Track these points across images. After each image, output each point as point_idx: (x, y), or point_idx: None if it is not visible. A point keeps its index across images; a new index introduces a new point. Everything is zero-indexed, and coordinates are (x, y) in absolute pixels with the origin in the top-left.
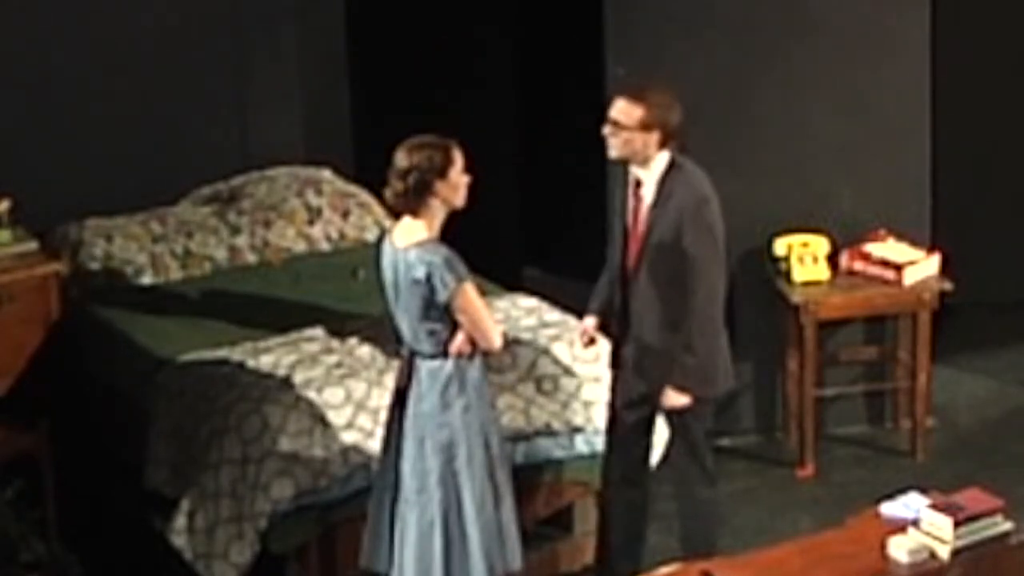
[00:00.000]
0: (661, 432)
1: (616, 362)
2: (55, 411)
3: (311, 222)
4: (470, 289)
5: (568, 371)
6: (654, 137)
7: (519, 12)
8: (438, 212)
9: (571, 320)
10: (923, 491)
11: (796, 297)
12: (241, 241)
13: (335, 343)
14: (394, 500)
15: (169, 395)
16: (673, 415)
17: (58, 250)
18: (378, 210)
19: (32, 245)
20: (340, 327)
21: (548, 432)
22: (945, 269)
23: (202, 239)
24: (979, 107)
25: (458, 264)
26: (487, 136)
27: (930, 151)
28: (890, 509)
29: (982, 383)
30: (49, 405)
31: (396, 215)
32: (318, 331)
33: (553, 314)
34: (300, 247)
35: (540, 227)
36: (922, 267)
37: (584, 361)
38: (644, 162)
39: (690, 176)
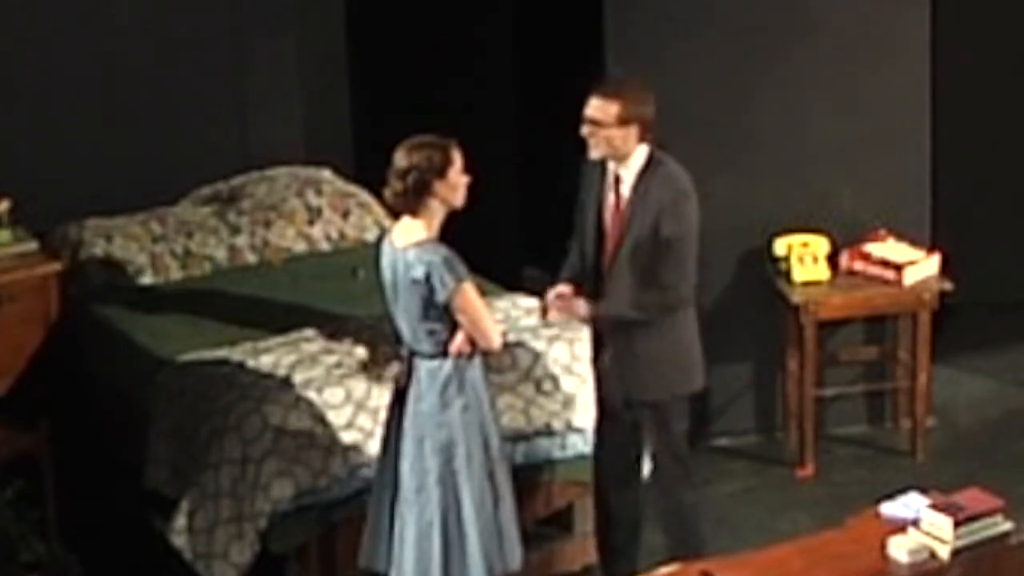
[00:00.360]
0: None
1: (597, 363)
2: (55, 411)
3: (311, 222)
4: (469, 289)
5: (568, 371)
6: (632, 131)
7: (519, 12)
8: (437, 212)
9: (572, 320)
10: (923, 491)
11: (796, 297)
12: (241, 241)
13: (333, 344)
14: (393, 500)
15: (169, 395)
16: (653, 413)
17: (58, 250)
18: (378, 210)
19: (32, 245)
20: (341, 327)
21: (548, 432)
22: (945, 269)
23: (202, 239)
24: (979, 107)
25: (457, 264)
26: (487, 136)
27: (930, 151)
28: (890, 509)
29: (982, 383)
30: (49, 405)
31: (395, 215)
32: (310, 332)
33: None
34: (300, 247)
35: (540, 227)
36: (922, 267)
37: (584, 361)
38: (623, 159)
39: (669, 172)
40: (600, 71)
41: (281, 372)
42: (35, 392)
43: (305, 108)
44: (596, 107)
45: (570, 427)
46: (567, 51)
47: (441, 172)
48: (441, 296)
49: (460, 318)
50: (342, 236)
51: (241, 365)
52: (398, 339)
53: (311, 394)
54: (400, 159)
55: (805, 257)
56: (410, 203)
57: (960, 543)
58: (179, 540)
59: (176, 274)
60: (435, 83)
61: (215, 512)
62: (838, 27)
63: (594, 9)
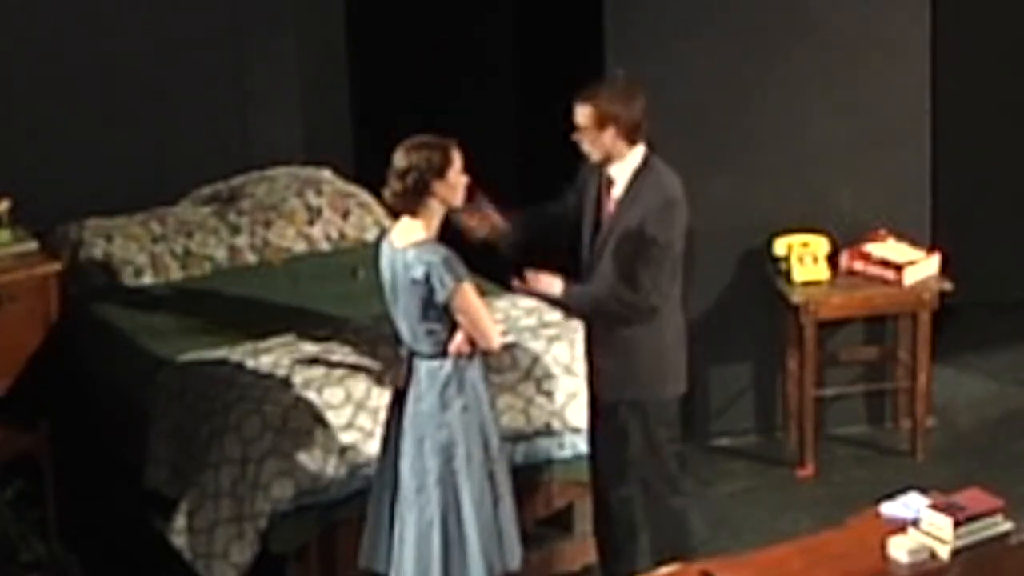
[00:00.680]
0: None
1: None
2: (55, 411)
3: (311, 222)
4: (469, 289)
5: (568, 371)
6: (610, 132)
7: (519, 12)
8: (437, 212)
9: (572, 320)
10: (923, 491)
11: (796, 297)
12: (241, 241)
13: (330, 345)
14: (393, 500)
15: (169, 395)
16: (634, 418)
17: (58, 250)
18: (378, 210)
19: (32, 245)
20: (341, 327)
21: (548, 432)
22: (945, 269)
23: (202, 239)
24: (979, 107)
25: (457, 264)
26: (487, 136)
27: (930, 151)
28: (890, 509)
29: (982, 383)
30: (49, 405)
31: (395, 215)
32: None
33: (553, 314)
34: (300, 247)
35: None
36: (922, 267)
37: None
38: (614, 161)
39: (660, 177)
40: (600, 71)
41: (281, 372)
42: (35, 392)
43: (305, 108)
44: (576, 112)
45: (570, 427)
46: (567, 51)
47: (440, 172)
48: (440, 296)
49: (460, 318)
50: (342, 236)
51: (241, 365)
52: (398, 339)
53: (311, 394)
54: (399, 159)
55: (805, 257)
56: (409, 203)
57: (960, 543)
58: (179, 540)
59: (176, 274)
60: (435, 83)
61: (215, 512)
62: (838, 27)
63: (594, 9)
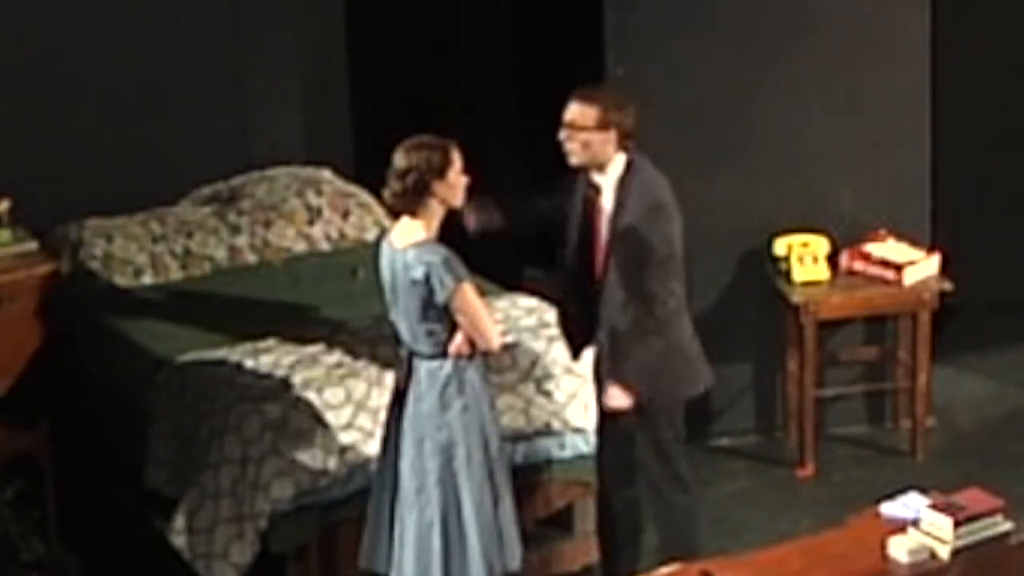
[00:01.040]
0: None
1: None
2: (55, 411)
3: (311, 222)
4: (469, 289)
5: (568, 371)
6: (611, 137)
7: (519, 12)
8: (436, 212)
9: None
10: (923, 491)
11: (796, 297)
12: (241, 241)
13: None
14: (393, 500)
15: (169, 395)
16: (643, 418)
17: (58, 250)
18: (378, 210)
19: (32, 245)
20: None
21: (548, 432)
22: (945, 269)
23: (202, 239)
24: (979, 107)
25: (457, 264)
26: (487, 136)
27: (930, 151)
28: (890, 509)
29: (982, 383)
30: (49, 405)
31: (395, 215)
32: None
33: (553, 314)
34: (300, 247)
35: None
36: (922, 267)
37: (583, 360)
38: (601, 166)
39: (645, 181)
40: (600, 71)
41: (281, 372)
42: (35, 392)
43: (305, 108)
44: (575, 110)
45: (570, 427)
46: (567, 51)
47: (440, 172)
48: (440, 297)
49: (459, 319)
50: (342, 236)
51: (241, 365)
52: (398, 340)
53: (311, 394)
54: (399, 159)
55: (805, 257)
56: (409, 203)
57: (960, 543)
58: (179, 540)
59: (176, 274)
60: (435, 83)
61: (215, 512)
62: (838, 27)
63: (594, 9)
